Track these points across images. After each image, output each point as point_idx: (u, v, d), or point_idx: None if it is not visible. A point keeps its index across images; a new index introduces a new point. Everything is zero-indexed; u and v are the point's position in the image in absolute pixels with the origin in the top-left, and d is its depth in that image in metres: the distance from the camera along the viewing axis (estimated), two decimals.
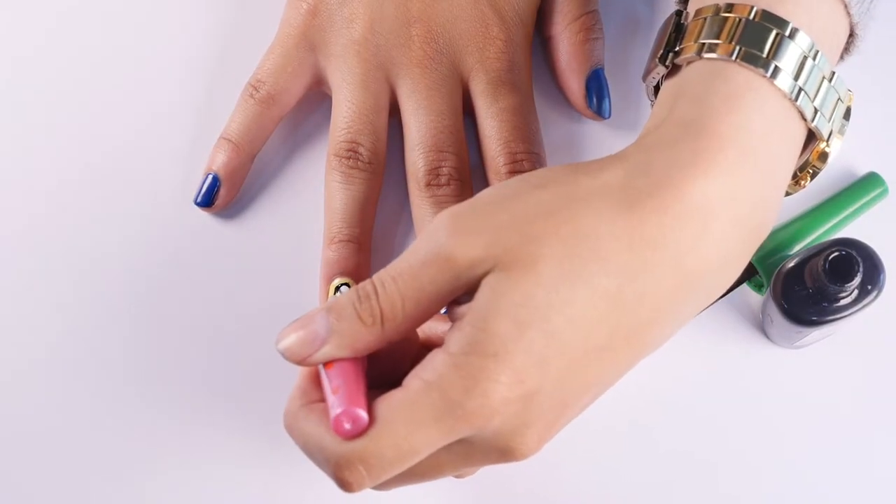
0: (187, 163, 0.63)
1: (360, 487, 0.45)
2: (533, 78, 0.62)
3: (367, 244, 0.60)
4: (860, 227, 0.60)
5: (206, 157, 0.61)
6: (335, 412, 0.45)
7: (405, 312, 0.45)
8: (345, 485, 0.45)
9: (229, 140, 0.61)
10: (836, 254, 0.52)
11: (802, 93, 0.47)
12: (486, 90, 0.60)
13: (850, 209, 0.60)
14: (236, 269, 0.62)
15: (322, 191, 0.60)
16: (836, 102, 0.49)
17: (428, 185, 0.59)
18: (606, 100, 0.61)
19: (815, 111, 0.48)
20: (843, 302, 0.53)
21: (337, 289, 0.59)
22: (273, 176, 0.63)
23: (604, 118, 0.61)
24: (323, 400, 0.47)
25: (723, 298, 0.59)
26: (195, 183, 0.62)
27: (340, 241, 0.59)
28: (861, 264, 0.52)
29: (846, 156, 0.61)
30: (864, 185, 0.60)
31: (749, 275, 0.59)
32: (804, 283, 0.54)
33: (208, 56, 0.64)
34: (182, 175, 0.63)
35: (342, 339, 0.46)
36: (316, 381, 0.48)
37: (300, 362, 0.47)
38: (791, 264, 0.54)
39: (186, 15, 0.65)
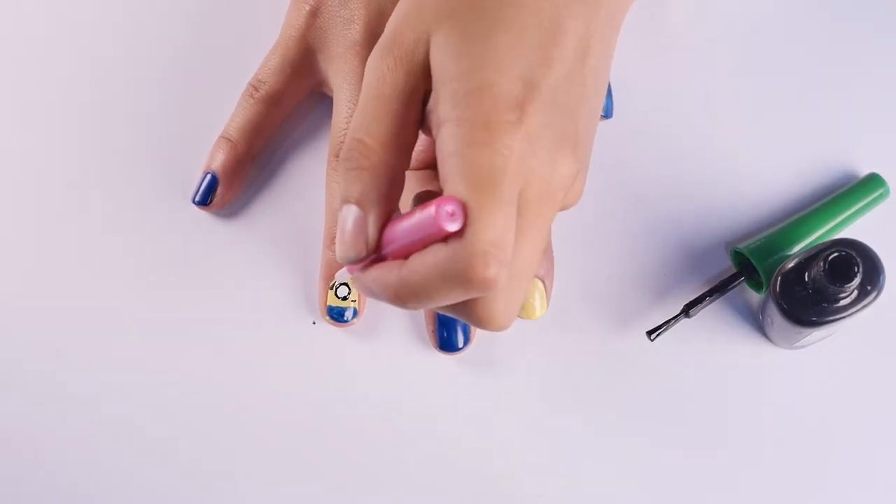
0: (188, 162, 0.63)
1: (501, 277, 0.42)
2: None
3: None
4: (860, 227, 0.60)
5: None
6: (431, 208, 0.41)
7: (387, 128, 0.45)
8: (488, 282, 0.41)
9: (228, 139, 0.61)
10: (835, 254, 0.52)
11: None
12: None
13: (851, 210, 0.60)
14: (235, 269, 0.61)
15: (323, 191, 0.60)
16: None
17: None
18: (608, 99, 0.61)
19: None
20: (842, 302, 0.53)
21: (336, 288, 0.59)
22: (273, 176, 0.63)
23: (606, 118, 0.61)
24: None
25: (722, 298, 0.59)
26: (195, 182, 0.62)
27: None
28: (861, 265, 0.51)
29: (847, 157, 0.61)
30: (865, 186, 0.60)
31: (749, 274, 0.59)
32: (804, 283, 0.53)
33: (211, 56, 0.64)
34: (183, 174, 0.63)
35: (370, 196, 0.44)
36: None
37: (365, 251, 0.44)
38: (791, 265, 0.54)
39: (189, 15, 0.65)
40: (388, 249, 0.44)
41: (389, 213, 0.45)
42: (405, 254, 0.44)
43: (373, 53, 0.46)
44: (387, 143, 0.45)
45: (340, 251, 0.45)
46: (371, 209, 0.45)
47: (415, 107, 0.46)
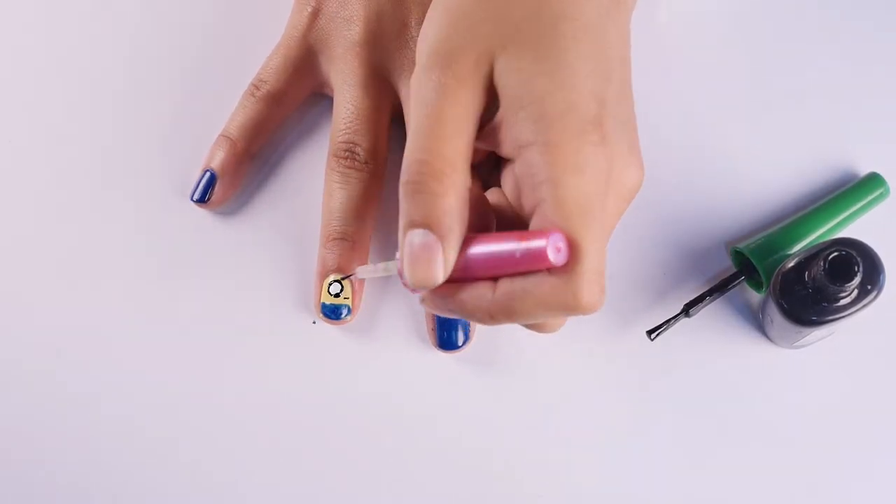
0: (188, 162, 0.63)
1: (603, 300, 0.44)
2: None
3: (363, 243, 0.59)
4: (860, 227, 0.60)
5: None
6: (541, 243, 0.42)
7: (456, 149, 0.44)
8: (593, 307, 0.43)
9: (228, 138, 0.61)
10: (835, 254, 0.52)
11: None
12: None
13: (851, 209, 0.60)
14: (235, 269, 0.61)
15: (322, 191, 0.60)
16: None
17: None
18: None
19: None
20: (842, 302, 0.53)
21: (330, 285, 0.59)
22: (273, 175, 0.63)
23: None
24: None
25: (722, 298, 0.59)
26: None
27: (335, 239, 0.59)
28: (861, 264, 0.51)
29: (847, 156, 0.61)
30: (865, 186, 0.60)
31: (749, 274, 0.59)
32: (804, 283, 0.53)
33: (212, 57, 0.64)
34: (183, 174, 0.62)
35: (445, 220, 0.44)
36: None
37: (442, 278, 0.44)
38: (791, 264, 0.54)
39: (190, 15, 0.65)
40: (468, 273, 0.44)
41: (463, 235, 0.45)
42: (491, 276, 0.44)
43: (425, 71, 0.46)
44: (456, 164, 0.45)
45: (414, 278, 0.44)
46: (448, 234, 0.44)
47: (476, 125, 0.46)
